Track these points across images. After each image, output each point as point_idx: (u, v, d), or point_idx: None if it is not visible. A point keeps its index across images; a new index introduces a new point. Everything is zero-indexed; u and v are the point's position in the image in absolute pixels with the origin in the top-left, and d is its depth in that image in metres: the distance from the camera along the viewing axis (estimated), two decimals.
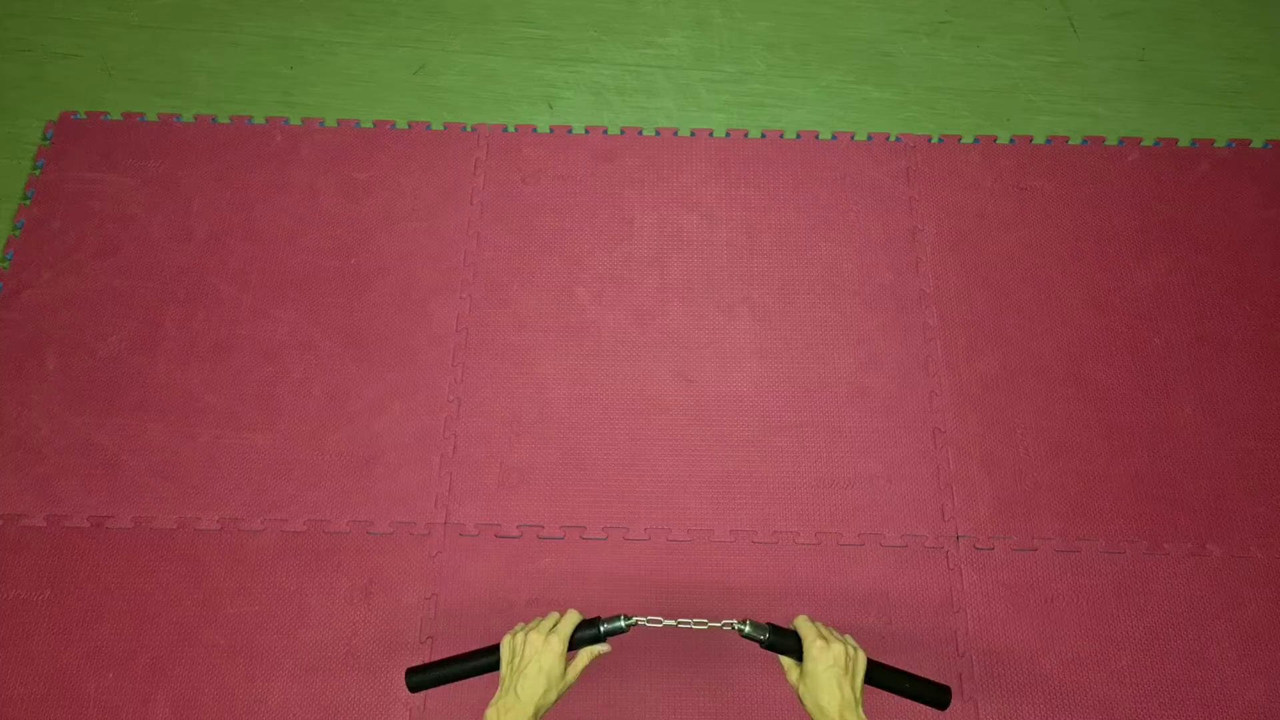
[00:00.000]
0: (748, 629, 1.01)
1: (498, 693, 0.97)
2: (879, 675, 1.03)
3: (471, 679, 1.04)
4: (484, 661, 1.03)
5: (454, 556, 1.39)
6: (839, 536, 1.41)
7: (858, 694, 0.94)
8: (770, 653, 1.02)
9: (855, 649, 0.98)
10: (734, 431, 1.48)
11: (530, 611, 1.36)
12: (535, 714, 0.94)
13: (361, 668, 1.33)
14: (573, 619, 1.02)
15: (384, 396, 1.49)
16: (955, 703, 1.31)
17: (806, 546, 1.41)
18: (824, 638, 0.98)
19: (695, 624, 1.05)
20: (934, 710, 1.07)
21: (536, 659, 0.96)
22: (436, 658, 1.23)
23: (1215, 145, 1.69)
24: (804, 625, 1.01)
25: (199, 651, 1.33)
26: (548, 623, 1.02)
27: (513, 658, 0.99)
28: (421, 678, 1.03)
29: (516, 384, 1.51)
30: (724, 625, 1.03)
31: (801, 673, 0.98)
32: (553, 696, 0.96)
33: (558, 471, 1.45)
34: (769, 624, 1.02)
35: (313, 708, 1.31)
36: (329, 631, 1.35)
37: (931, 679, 1.05)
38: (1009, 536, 1.41)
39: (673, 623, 1.05)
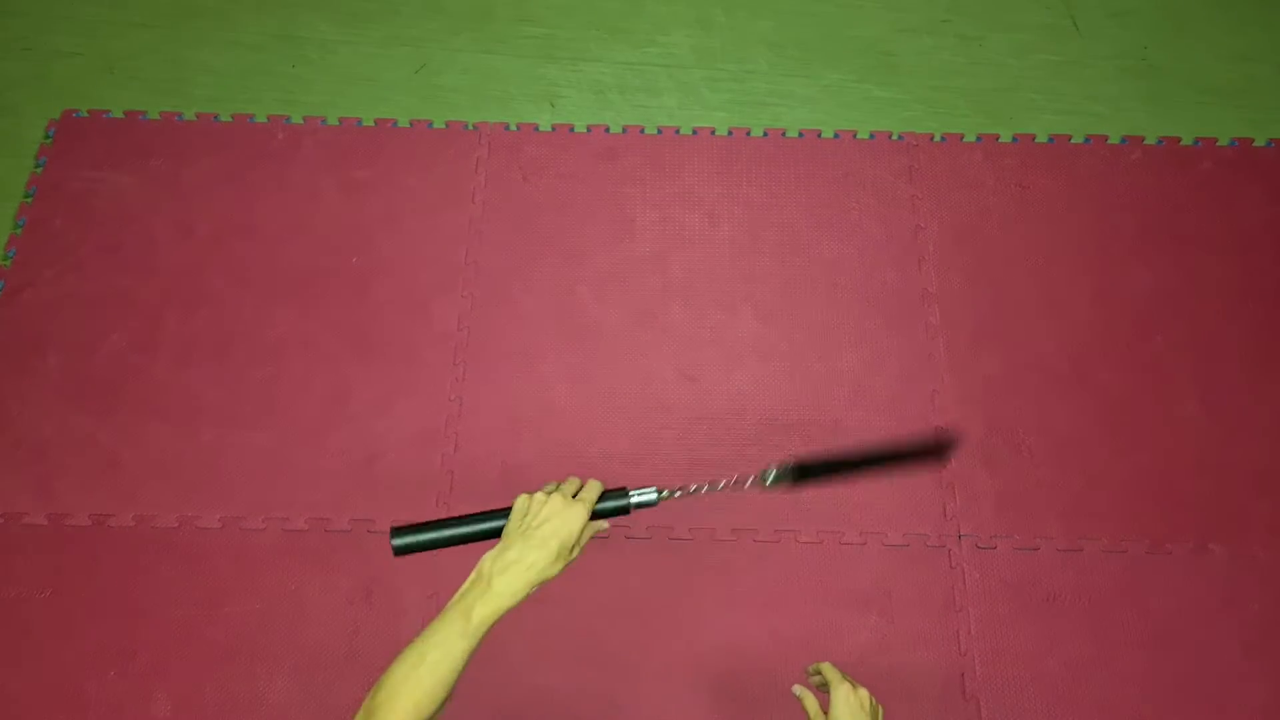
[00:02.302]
0: (772, 475, 0.90)
1: (499, 546, 0.90)
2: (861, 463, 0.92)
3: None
4: (491, 525, 0.92)
5: (455, 555, 1.39)
6: (840, 535, 1.41)
7: None
8: (793, 694, 0.99)
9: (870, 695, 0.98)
10: (736, 430, 1.48)
11: (531, 610, 1.35)
12: (536, 580, 0.88)
13: (362, 667, 1.33)
14: (596, 487, 0.93)
15: (385, 395, 1.49)
16: (958, 701, 1.31)
17: (808, 545, 1.40)
18: (850, 683, 0.98)
19: (723, 486, 0.93)
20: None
21: (553, 520, 0.89)
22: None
23: (1218, 144, 1.69)
24: (830, 671, 1.01)
25: (200, 650, 1.33)
26: (569, 487, 0.93)
27: (525, 515, 0.91)
28: (409, 540, 0.91)
29: (518, 383, 1.51)
30: (750, 482, 0.92)
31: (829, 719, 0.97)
32: (558, 567, 0.89)
33: (559, 470, 1.43)
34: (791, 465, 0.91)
35: (313, 707, 1.31)
36: (330, 630, 1.34)
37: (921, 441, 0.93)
38: (1011, 535, 1.41)
39: (703, 488, 0.93)
